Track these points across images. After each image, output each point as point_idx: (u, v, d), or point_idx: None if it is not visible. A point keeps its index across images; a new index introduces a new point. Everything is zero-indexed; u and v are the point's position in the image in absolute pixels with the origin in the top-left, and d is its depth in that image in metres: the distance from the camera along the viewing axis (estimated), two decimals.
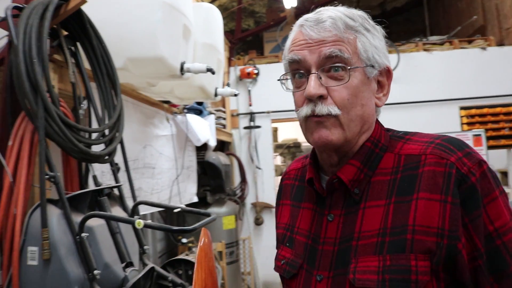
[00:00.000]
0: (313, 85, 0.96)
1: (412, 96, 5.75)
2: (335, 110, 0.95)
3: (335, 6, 1.04)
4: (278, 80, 1.07)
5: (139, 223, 1.41)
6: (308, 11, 1.07)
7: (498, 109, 4.60)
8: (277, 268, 1.14)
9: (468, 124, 4.62)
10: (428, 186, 0.90)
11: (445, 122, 5.13)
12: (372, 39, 1.00)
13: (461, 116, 4.69)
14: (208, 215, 1.62)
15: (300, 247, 1.07)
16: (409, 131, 1.07)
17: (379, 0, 8.83)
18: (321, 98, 0.96)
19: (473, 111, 4.65)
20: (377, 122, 1.06)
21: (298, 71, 1.01)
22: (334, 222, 1.01)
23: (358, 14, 1.01)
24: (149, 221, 1.43)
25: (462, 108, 4.71)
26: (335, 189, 1.02)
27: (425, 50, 6.03)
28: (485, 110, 4.61)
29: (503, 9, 6.28)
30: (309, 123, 0.99)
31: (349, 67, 0.96)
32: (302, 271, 1.04)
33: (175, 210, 1.72)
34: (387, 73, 1.05)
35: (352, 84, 0.97)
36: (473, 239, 0.88)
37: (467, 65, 5.82)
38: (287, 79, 1.07)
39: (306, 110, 0.98)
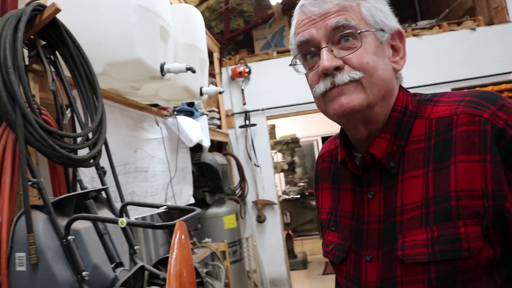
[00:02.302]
0: (326, 58, 0.92)
1: (404, 83, 5.74)
2: (357, 74, 0.91)
3: None
4: (290, 65, 1.03)
5: (122, 222, 1.44)
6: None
7: (489, 88, 4.61)
8: (325, 254, 1.12)
9: None
10: (465, 148, 0.86)
11: None
12: (375, 3, 0.97)
13: None
14: (192, 210, 1.63)
15: (346, 230, 1.04)
16: (438, 93, 1.01)
17: None
18: (338, 69, 0.92)
19: (466, 91, 4.66)
20: (402, 88, 1.02)
21: (308, 51, 0.97)
22: (375, 199, 0.97)
23: None
24: (132, 220, 1.45)
25: (454, 89, 4.72)
26: (370, 166, 0.99)
27: (414, 35, 6.02)
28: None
29: None
30: (328, 96, 0.95)
31: (359, 31, 0.92)
32: (351, 253, 1.02)
33: (161, 209, 1.74)
34: (399, 35, 1.01)
35: (367, 49, 0.93)
36: None
37: (457, 47, 5.81)
38: (296, 64, 1.03)
39: (324, 84, 0.94)
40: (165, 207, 1.74)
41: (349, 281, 1.03)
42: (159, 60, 2.17)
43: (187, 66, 2.19)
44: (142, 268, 1.74)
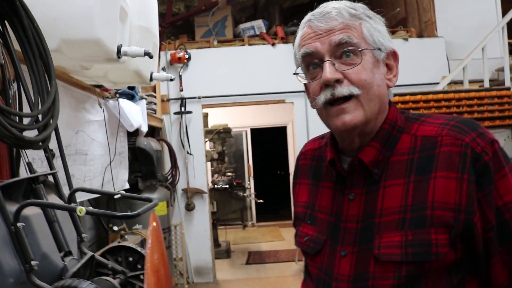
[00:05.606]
0: (328, 71, 1.01)
1: None
2: (355, 90, 1.01)
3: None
4: (294, 74, 1.12)
5: (81, 210, 1.38)
6: None
7: (418, 97, 4.85)
8: (299, 244, 1.20)
9: None
10: (446, 165, 0.97)
11: None
12: (375, 24, 1.06)
13: None
14: (150, 200, 1.61)
15: (323, 224, 1.13)
16: (423, 113, 1.14)
17: None
18: (338, 82, 1.01)
19: (397, 98, 4.87)
20: (392, 104, 1.12)
21: (312, 62, 1.06)
22: (356, 200, 1.06)
23: (359, 4, 1.08)
24: (90, 208, 1.40)
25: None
26: (356, 170, 1.08)
27: None
28: (407, 98, 4.85)
29: (422, 3, 6.64)
30: (330, 110, 1.04)
31: (360, 49, 1.02)
32: (326, 247, 1.10)
33: (116, 197, 1.69)
34: (394, 55, 1.11)
35: (366, 66, 1.02)
36: (486, 214, 0.96)
37: None
38: (297, 74, 1.12)
39: (324, 95, 1.03)
40: (119, 195, 1.70)
41: (321, 272, 1.11)
42: (116, 42, 2.08)
43: (146, 51, 2.12)
44: (92, 257, 1.68)
